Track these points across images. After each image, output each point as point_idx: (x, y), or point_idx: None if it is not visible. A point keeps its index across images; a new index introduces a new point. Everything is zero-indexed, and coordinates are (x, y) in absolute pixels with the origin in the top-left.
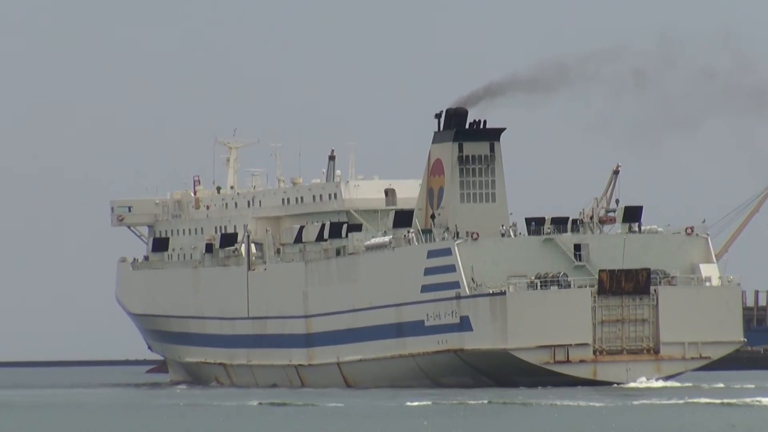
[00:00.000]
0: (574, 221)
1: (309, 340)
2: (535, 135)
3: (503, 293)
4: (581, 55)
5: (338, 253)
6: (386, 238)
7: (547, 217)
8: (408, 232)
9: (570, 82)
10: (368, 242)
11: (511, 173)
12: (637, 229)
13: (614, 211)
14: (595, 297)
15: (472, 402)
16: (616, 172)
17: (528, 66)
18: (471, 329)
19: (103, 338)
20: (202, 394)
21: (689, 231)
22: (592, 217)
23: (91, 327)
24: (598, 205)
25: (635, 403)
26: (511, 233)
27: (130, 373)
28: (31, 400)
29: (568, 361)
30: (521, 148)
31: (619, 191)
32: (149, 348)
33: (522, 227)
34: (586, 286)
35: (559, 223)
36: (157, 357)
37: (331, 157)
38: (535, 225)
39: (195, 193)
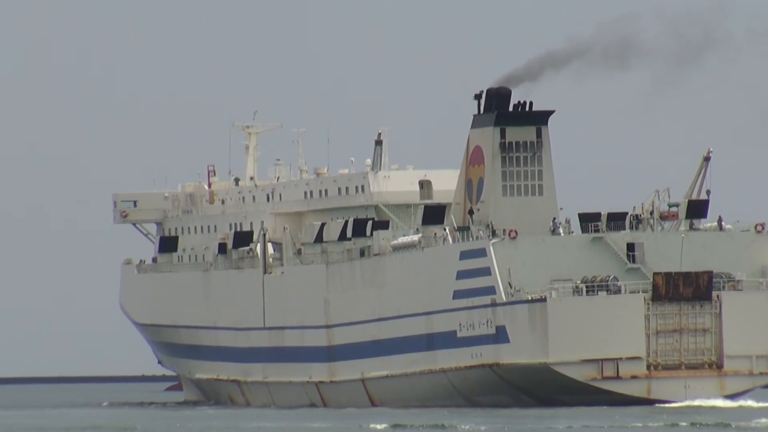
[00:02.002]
0: (634, 217)
1: (331, 354)
2: (590, 118)
3: (543, 300)
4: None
5: (362, 253)
6: (415, 237)
7: (603, 213)
8: (443, 229)
9: (633, 54)
10: (395, 241)
11: (561, 162)
12: (717, 225)
13: (677, 205)
14: (649, 304)
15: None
16: (707, 159)
17: (580, 38)
18: (508, 341)
19: (114, 351)
20: (262, 414)
21: (759, 228)
22: (652, 213)
23: (99, 338)
24: (659, 198)
25: None
26: (561, 231)
27: (147, 391)
28: (38, 422)
29: (618, 377)
30: (573, 134)
31: (710, 181)
32: (159, 362)
33: (576, 224)
34: (638, 292)
35: (616, 219)
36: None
37: (378, 142)
38: (585, 221)
39: (209, 186)
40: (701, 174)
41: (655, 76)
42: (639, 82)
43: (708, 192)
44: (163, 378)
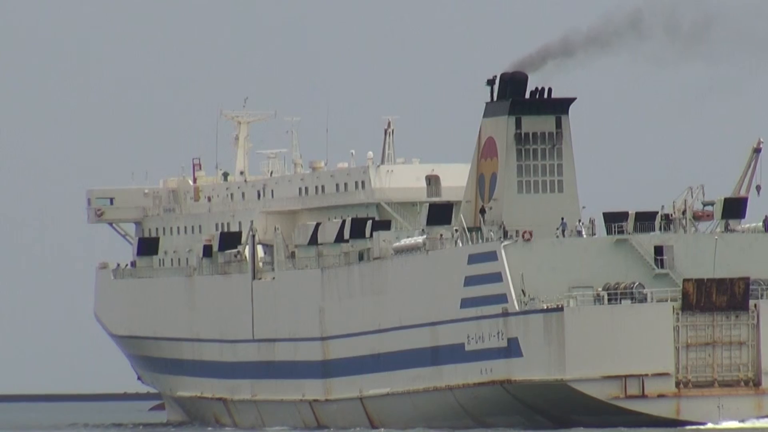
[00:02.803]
0: (664, 217)
1: (326, 369)
2: (615, 106)
3: (560, 309)
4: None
5: (361, 257)
6: (419, 239)
7: (631, 212)
8: (451, 230)
9: (668, 34)
10: (397, 244)
11: (583, 156)
12: (762, 226)
13: (712, 203)
14: (678, 314)
15: None
16: (757, 150)
17: (607, 16)
18: (520, 355)
19: (92, 366)
20: None
21: None
22: (684, 212)
23: (75, 351)
24: (692, 196)
25: None
26: (584, 232)
27: (130, 410)
28: None
29: (643, 396)
30: (596, 124)
31: (760, 175)
32: (139, 379)
33: (600, 224)
34: (667, 300)
35: (645, 219)
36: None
37: (387, 132)
38: (610, 222)
39: (194, 181)
40: (750, 168)
41: (714, 71)
42: (685, 73)
43: (758, 188)
44: (147, 396)
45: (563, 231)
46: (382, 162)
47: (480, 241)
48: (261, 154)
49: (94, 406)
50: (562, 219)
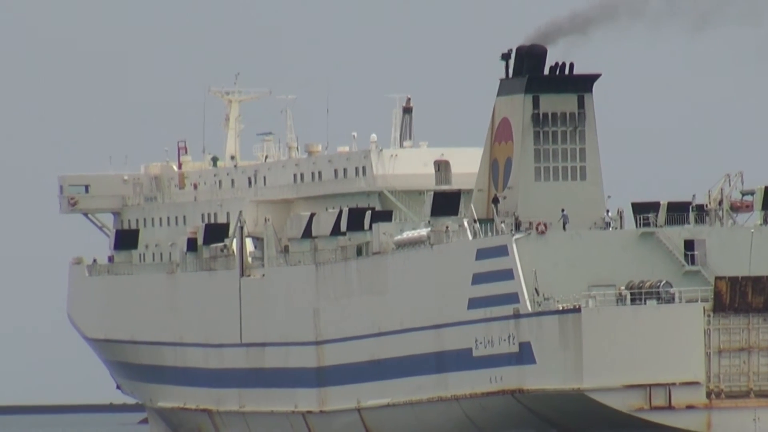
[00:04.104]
0: (699, 208)
1: (321, 377)
2: (645, 84)
3: (578, 310)
4: None
5: (360, 252)
6: (423, 232)
7: (663, 203)
8: (459, 221)
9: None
10: (399, 237)
11: (608, 139)
12: None
13: (752, 193)
14: (710, 316)
15: None
16: None
17: None
18: (533, 361)
19: (71, 373)
20: None
21: None
22: (720, 202)
23: (49, 357)
24: (729, 185)
25: None
26: (611, 225)
27: (116, 424)
28: None
29: (670, 407)
30: (624, 103)
31: None
32: (118, 388)
33: (629, 216)
34: (697, 300)
35: (678, 210)
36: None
37: (407, 110)
38: (639, 212)
39: (179, 167)
40: None
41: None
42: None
43: None
44: (136, 408)
45: (564, 224)
46: (401, 145)
47: (491, 234)
48: (257, 136)
49: (76, 418)
50: (563, 210)
